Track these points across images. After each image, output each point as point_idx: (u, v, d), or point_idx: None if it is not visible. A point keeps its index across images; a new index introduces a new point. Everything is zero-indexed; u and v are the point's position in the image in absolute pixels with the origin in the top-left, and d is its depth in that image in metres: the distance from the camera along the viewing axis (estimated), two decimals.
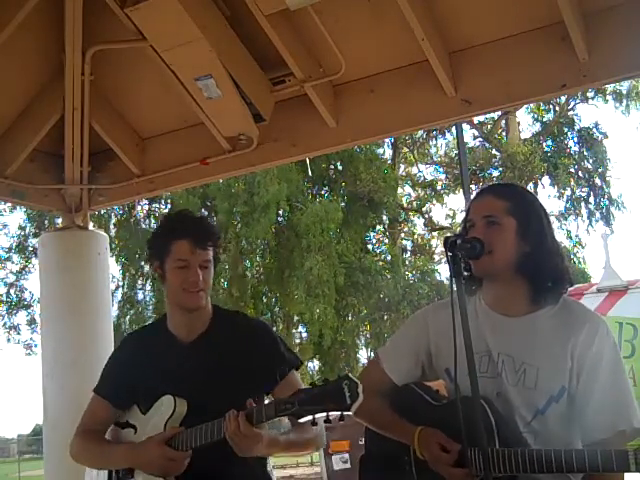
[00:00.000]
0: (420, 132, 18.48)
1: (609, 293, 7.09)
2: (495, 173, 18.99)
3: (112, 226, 17.35)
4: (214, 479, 2.31)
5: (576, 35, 3.04)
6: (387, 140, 18.64)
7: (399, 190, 20.07)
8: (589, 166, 18.96)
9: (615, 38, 3.08)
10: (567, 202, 19.09)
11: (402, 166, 20.90)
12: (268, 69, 3.63)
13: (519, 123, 20.05)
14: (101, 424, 2.51)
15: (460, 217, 19.49)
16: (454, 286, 1.88)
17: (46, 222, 17.06)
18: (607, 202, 18.81)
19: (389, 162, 19.65)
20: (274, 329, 2.66)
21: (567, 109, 19.30)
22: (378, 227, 19.71)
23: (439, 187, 20.40)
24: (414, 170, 21.16)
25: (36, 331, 18.43)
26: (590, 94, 18.39)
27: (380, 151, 19.03)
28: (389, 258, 18.99)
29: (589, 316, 2.09)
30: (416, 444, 2.05)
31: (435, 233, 20.54)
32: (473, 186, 16.29)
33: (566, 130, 19.19)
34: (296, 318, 17.00)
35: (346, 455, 8.36)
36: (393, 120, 3.64)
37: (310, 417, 1.93)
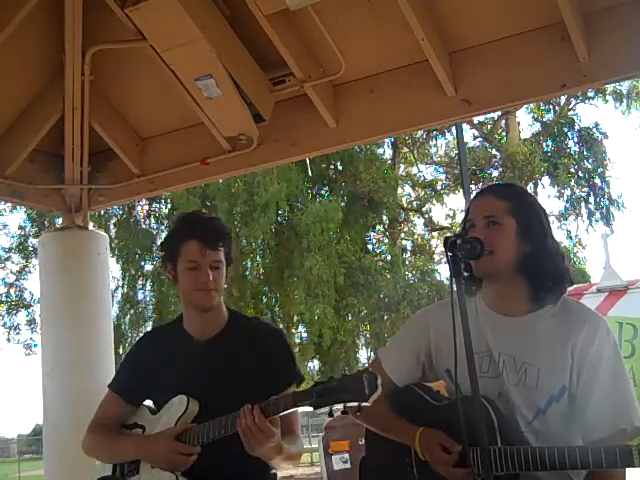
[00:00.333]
0: (420, 132, 18.47)
1: (609, 293, 7.08)
2: (495, 173, 18.99)
3: (112, 226, 17.34)
4: (222, 478, 2.31)
5: (576, 35, 3.04)
6: (387, 140, 18.64)
7: (399, 190, 20.07)
8: (589, 166, 18.96)
9: (615, 38, 3.08)
10: (567, 202, 19.10)
11: (402, 166, 20.90)
12: (268, 69, 3.63)
13: (519, 123, 20.06)
14: (113, 419, 2.54)
15: (460, 217, 19.48)
16: (454, 286, 1.88)
17: (46, 222, 17.05)
18: (607, 202, 18.82)
19: (389, 162, 19.64)
20: (287, 338, 2.67)
21: (567, 109, 19.30)
22: (378, 227, 19.70)
23: (439, 187, 20.40)
24: (414, 170, 21.18)
25: (36, 331, 18.44)
26: (590, 94, 18.39)
27: (380, 151, 19.05)
28: (389, 258, 18.97)
29: (589, 315, 2.10)
30: (417, 445, 2.05)
31: (435, 233, 20.54)
32: (473, 186, 16.28)
33: (566, 130, 19.19)
34: (296, 318, 16.99)
35: (346, 455, 8.35)
36: (393, 120, 3.64)
37: (327, 408, 1.95)
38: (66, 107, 3.97)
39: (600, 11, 3.11)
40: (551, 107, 19.40)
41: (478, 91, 3.39)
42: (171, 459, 2.28)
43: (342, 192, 18.33)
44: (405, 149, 20.57)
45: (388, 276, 17.67)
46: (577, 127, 19.12)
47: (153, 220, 18.32)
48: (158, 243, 16.41)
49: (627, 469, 1.87)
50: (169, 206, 17.51)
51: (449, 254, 1.91)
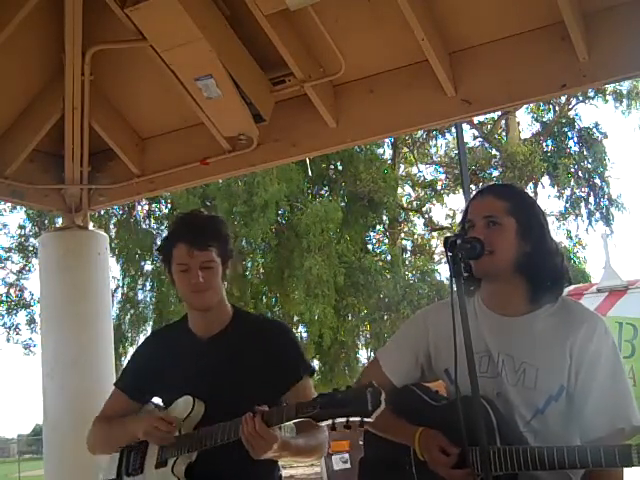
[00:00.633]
0: (420, 132, 18.45)
1: (609, 293, 7.08)
2: (495, 173, 18.98)
3: (112, 226, 17.34)
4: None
5: (576, 35, 3.04)
6: (387, 140, 18.62)
7: (399, 190, 20.05)
8: (589, 166, 18.94)
9: (615, 38, 3.08)
10: (567, 202, 19.08)
11: (402, 166, 20.88)
12: (268, 69, 3.63)
13: (519, 123, 20.04)
14: (120, 413, 2.56)
15: (460, 217, 19.45)
16: (454, 286, 1.88)
17: (46, 222, 17.05)
18: (607, 202, 18.81)
19: (389, 162, 19.63)
20: (293, 333, 2.66)
21: (567, 109, 19.30)
22: (378, 227, 19.68)
23: (439, 187, 20.38)
24: (414, 170, 21.15)
25: (35, 331, 18.43)
26: (590, 94, 18.38)
27: (380, 151, 19.02)
28: (389, 258, 18.96)
29: (587, 315, 2.10)
30: (417, 445, 2.05)
31: (435, 233, 20.51)
32: (473, 186, 16.26)
33: (566, 130, 19.18)
34: (296, 318, 16.97)
35: (346, 455, 8.36)
36: (393, 120, 3.64)
37: (330, 421, 1.94)
38: (66, 107, 3.97)
39: (600, 11, 3.11)
40: (551, 107, 19.39)
41: (478, 91, 3.40)
42: (147, 431, 2.33)
43: (342, 192, 18.32)
44: (405, 149, 20.56)
45: (388, 276, 17.65)
46: (577, 127, 19.10)
47: (153, 220, 18.30)
48: (158, 243, 16.41)
49: (626, 469, 1.87)
50: (169, 206, 17.50)
51: (449, 254, 1.91)
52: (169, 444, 2.34)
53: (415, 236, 20.85)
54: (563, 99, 18.48)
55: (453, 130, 14.97)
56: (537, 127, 19.89)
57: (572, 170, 18.88)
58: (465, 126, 17.11)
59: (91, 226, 4.56)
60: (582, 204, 19.05)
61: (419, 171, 21.11)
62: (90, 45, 3.76)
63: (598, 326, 2.05)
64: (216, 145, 3.95)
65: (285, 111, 3.77)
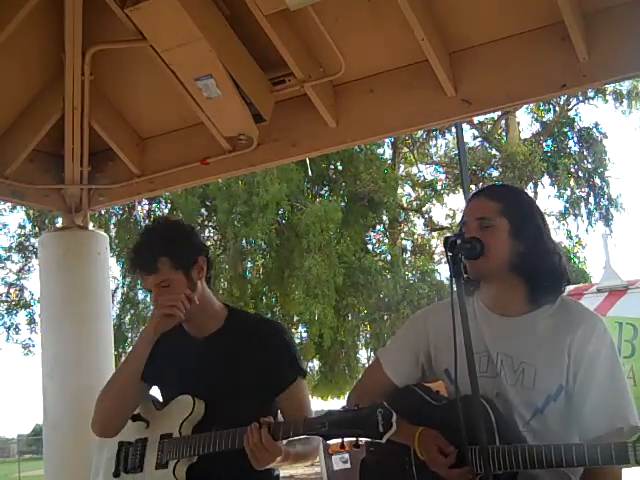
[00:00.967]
0: (420, 132, 18.46)
1: (609, 293, 7.08)
2: (495, 173, 18.99)
3: (112, 226, 17.34)
4: None
5: (576, 35, 3.04)
6: (387, 140, 18.62)
7: (399, 190, 20.04)
8: (589, 166, 18.96)
9: (615, 38, 3.08)
10: (567, 202, 19.09)
11: (402, 166, 20.88)
12: (268, 69, 3.63)
13: (519, 123, 20.06)
14: None
15: (460, 217, 19.45)
16: (454, 286, 1.88)
17: (46, 222, 17.05)
18: (607, 202, 18.81)
19: (389, 162, 19.63)
20: (289, 334, 2.61)
21: (567, 109, 19.30)
22: (378, 227, 19.68)
23: (439, 187, 20.38)
24: (414, 170, 21.16)
25: (35, 331, 18.42)
26: (590, 94, 18.39)
27: (380, 151, 19.03)
28: (389, 258, 18.95)
29: (586, 315, 2.10)
30: (416, 445, 2.05)
31: (435, 233, 20.52)
32: (473, 186, 16.23)
33: (566, 130, 19.19)
34: (296, 318, 16.97)
35: (346, 455, 8.35)
36: (393, 120, 3.64)
37: (339, 440, 1.91)
38: (66, 107, 3.97)
39: (600, 11, 3.11)
40: (551, 107, 19.40)
41: (478, 91, 3.40)
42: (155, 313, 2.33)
43: (342, 192, 18.32)
44: (405, 149, 20.57)
45: (388, 276, 17.65)
46: (577, 127, 19.12)
47: (153, 220, 18.29)
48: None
49: (627, 469, 1.87)
50: (169, 206, 17.50)
51: (449, 254, 1.91)
52: (170, 446, 2.34)
53: (415, 236, 20.86)
54: (563, 99, 18.48)
55: (453, 130, 14.98)
56: (537, 127, 19.93)
57: (572, 170, 18.89)
58: (465, 126, 17.12)
59: (91, 226, 4.56)
60: (582, 204, 19.07)
61: (419, 171, 21.14)
62: (90, 45, 3.75)
63: (597, 326, 2.05)
64: (216, 145, 3.95)
65: (285, 111, 3.77)
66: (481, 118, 18.86)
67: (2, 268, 18.96)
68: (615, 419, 1.96)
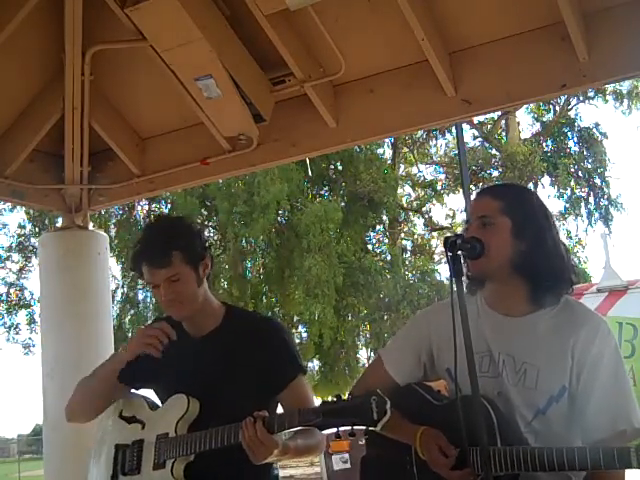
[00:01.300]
0: (420, 132, 18.46)
1: (609, 293, 7.09)
2: (495, 173, 18.98)
3: (112, 226, 17.34)
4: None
5: (576, 35, 3.04)
6: (387, 140, 18.62)
7: (399, 190, 20.04)
8: (589, 166, 18.95)
9: (615, 38, 3.08)
10: (567, 202, 19.08)
11: (402, 166, 20.87)
12: (268, 69, 3.63)
13: (519, 123, 20.05)
14: None
15: (460, 217, 19.52)
16: (454, 286, 1.88)
17: (46, 222, 17.05)
18: (607, 202, 18.81)
19: (389, 162, 19.62)
20: (287, 332, 2.61)
21: (567, 109, 19.29)
22: (378, 227, 19.68)
23: (439, 187, 20.38)
24: (414, 170, 21.15)
25: (35, 331, 18.43)
26: (590, 94, 18.38)
27: (380, 151, 19.02)
28: (389, 258, 18.96)
29: (590, 316, 2.09)
30: (418, 444, 2.05)
31: (435, 233, 20.52)
32: (473, 186, 16.26)
33: (566, 130, 19.18)
34: (296, 318, 16.97)
35: (346, 455, 8.36)
36: (393, 120, 3.64)
37: (334, 429, 1.92)
38: (66, 107, 3.97)
39: (600, 11, 3.11)
40: (551, 107, 19.40)
41: (478, 91, 3.40)
42: (138, 340, 2.37)
43: (342, 192, 18.32)
44: (405, 149, 20.56)
45: (388, 276, 17.65)
46: (577, 127, 19.10)
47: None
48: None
49: (628, 470, 1.86)
50: (169, 206, 17.50)
51: (449, 254, 1.91)
52: (167, 445, 2.33)
53: (415, 236, 20.86)
54: (563, 99, 18.48)
55: (453, 130, 14.97)
56: (537, 127, 19.92)
57: (572, 170, 18.88)
58: (465, 126, 17.12)
59: (91, 226, 4.56)
60: (582, 204, 19.05)
61: (419, 171, 21.13)
62: (90, 45, 3.75)
63: (601, 327, 2.04)
64: (216, 145, 3.95)
65: (285, 111, 3.77)
66: (481, 118, 18.87)
67: (2, 268, 18.98)
68: (618, 421, 1.96)
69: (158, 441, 2.37)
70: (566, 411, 2.02)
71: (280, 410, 2.41)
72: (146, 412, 2.48)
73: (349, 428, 1.90)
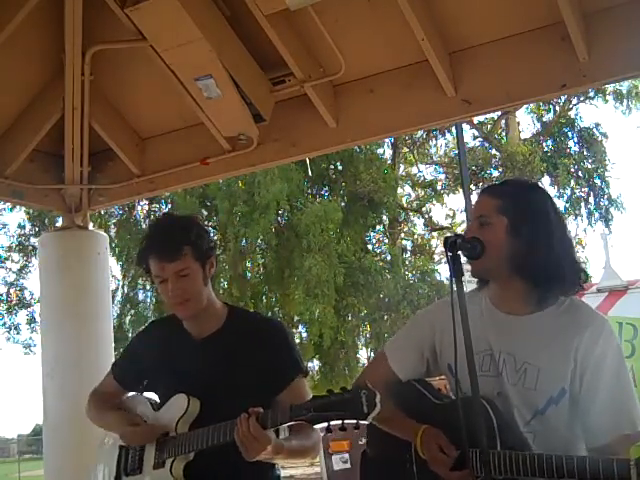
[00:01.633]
0: (420, 132, 18.45)
1: (609, 293, 7.07)
2: (495, 173, 18.98)
3: (112, 226, 17.33)
4: None
5: (576, 35, 3.05)
6: (387, 140, 18.61)
7: (399, 190, 20.05)
8: (589, 166, 18.95)
9: (615, 38, 3.08)
10: (567, 202, 19.07)
11: (402, 166, 20.87)
12: (268, 69, 3.63)
13: (519, 123, 20.04)
14: (109, 395, 2.61)
15: (460, 217, 19.54)
16: (454, 286, 1.87)
17: (46, 222, 17.05)
18: (607, 202, 18.81)
19: (389, 162, 19.62)
20: (289, 332, 2.61)
21: (567, 109, 19.29)
22: (378, 227, 19.68)
23: (439, 187, 20.39)
24: (414, 170, 21.16)
25: (35, 331, 18.43)
26: (590, 94, 18.38)
27: (380, 151, 19.01)
28: (389, 258, 18.96)
29: (593, 317, 2.06)
30: (418, 443, 2.05)
31: (435, 233, 20.52)
32: (473, 186, 16.27)
33: (566, 130, 19.18)
34: (296, 318, 16.97)
35: (346, 455, 8.36)
36: (393, 120, 3.65)
37: (324, 424, 1.93)
38: (66, 107, 3.97)
39: (600, 11, 3.11)
40: (551, 107, 19.39)
41: (478, 91, 3.40)
42: (123, 432, 2.43)
43: (342, 192, 18.32)
44: (405, 149, 20.56)
45: (388, 276, 17.65)
46: (577, 127, 19.10)
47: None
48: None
49: None
50: (169, 206, 17.49)
51: (449, 254, 1.90)
52: (167, 445, 2.34)
53: (415, 236, 20.87)
54: (563, 99, 18.48)
55: (453, 130, 14.97)
56: (537, 127, 19.92)
57: (572, 170, 18.88)
58: (465, 126, 17.10)
59: (91, 226, 4.57)
60: (582, 204, 19.06)
61: (419, 171, 21.14)
62: (90, 45, 3.76)
63: (604, 329, 2.01)
64: (216, 145, 3.95)
65: (285, 111, 3.77)
66: (481, 118, 18.86)
67: (2, 268, 18.98)
68: (622, 426, 1.94)
69: (159, 441, 2.38)
70: (566, 412, 2.01)
71: None
72: (149, 412, 2.49)
73: (339, 422, 1.91)
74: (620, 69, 3.17)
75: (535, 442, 1.99)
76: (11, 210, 18.49)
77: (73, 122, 4.03)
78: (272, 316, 16.65)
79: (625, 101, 18.95)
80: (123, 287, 18.12)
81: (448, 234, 2.06)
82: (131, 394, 2.61)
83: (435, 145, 20.59)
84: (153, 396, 2.57)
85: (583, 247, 18.86)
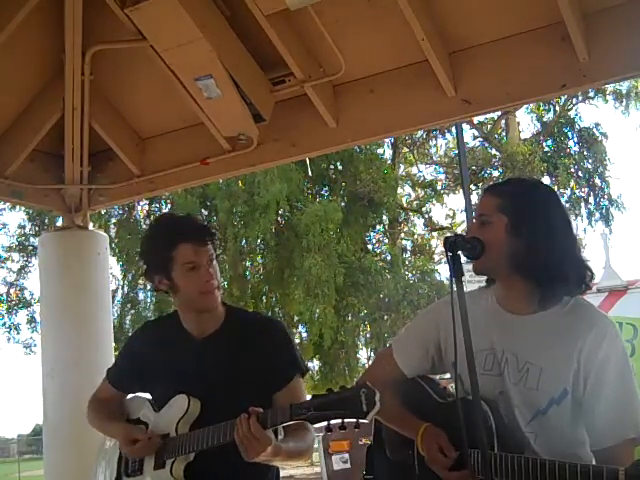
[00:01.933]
0: (420, 132, 18.45)
1: (609, 293, 7.07)
2: (495, 173, 18.98)
3: (112, 226, 17.33)
4: None
5: (576, 35, 3.04)
6: (387, 140, 18.61)
7: (399, 190, 20.05)
8: (589, 166, 18.95)
9: (615, 38, 3.08)
10: (567, 202, 19.04)
11: (402, 166, 20.88)
12: (268, 69, 3.63)
13: (519, 123, 20.04)
14: (107, 400, 2.61)
15: (460, 217, 19.54)
16: (454, 286, 1.87)
17: (46, 222, 17.05)
18: (607, 202, 18.82)
19: (389, 162, 19.62)
20: (288, 331, 2.62)
21: (567, 109, 19.29)
22: (378, 227, 19.68)
23: (439, 187, 20.39)
24: (414, 170, 21.17)
25: (36, 330, 18.42)
26: (590, 94, 18.38)
27: (380, 151, 19.01)
28: (389, 258, 18.96)
29: (598, 318, 2.05)
30: (419, 441, 2.05)
31: (435, 233, 20.53)
32: (473, 186, 16.28)
33: (566, 130, 19.18)
34: (296, 318, 16.97)
35: (346, 455, 8.37)
36: (393, 120, 3.65)
37: (324, 423, 1.93)
38: (66, 107, 3.97)
39: (600, 11, 3.11)
40: (551, 107, 19.39)
41: (478, 91, 3.40)
42: (126, 445, 2.40)
43: (342, 192, 18.32)
44: (405, 149, 20.56)
45: (388, 276, 17.65)
46: (577, 127, 19.10)
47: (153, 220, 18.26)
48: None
49: None
50: (169, 206, 17.49)
51: (449, 254, 1.89)
52: (167, 446, 2.34)
53: (415, 236, 20.87)
54: (563, 99, 18.47)
55: (453, 130, 14.98)
56: (537, 127, 19.92)
57: (572, 170, 18.88)
58: (465, 126, 17.10)
59: (91, 226, 4.57)
60: (582, 204, 19.06)
61: (419, 171, 21.15)
62: (90, 45, 3.76)
63: (609, 330, 2.00)
64: (216, 145, 3.95)
65: (285, 111, 3.77)
66: (481, 118, 18.86)
67: (2, 268, 18.98)
68: (626, 428, 1.93)
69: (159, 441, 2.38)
70: (568, 413, 1.99)
71: None
72: (150, 413, 2.49)
73: (339, 421, 1.91)
74: (620, 69, 3.17)
75: (536, 442, 1.98)
76: (12, 210, 18.50)
77: (73, 122, 4.03)
78: (271, 316, 16.66)
79: (625, 101, 18.96)
80: (123, 287, 18.12)
81: (448, 234, 2.06)
82: (131, 396, 2.61)
83: (435, 145, 20.62)
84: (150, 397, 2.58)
85: (583, 247, 18.88)
